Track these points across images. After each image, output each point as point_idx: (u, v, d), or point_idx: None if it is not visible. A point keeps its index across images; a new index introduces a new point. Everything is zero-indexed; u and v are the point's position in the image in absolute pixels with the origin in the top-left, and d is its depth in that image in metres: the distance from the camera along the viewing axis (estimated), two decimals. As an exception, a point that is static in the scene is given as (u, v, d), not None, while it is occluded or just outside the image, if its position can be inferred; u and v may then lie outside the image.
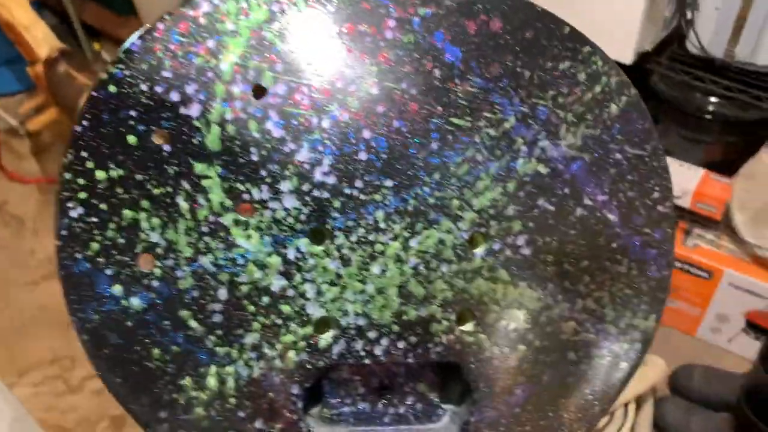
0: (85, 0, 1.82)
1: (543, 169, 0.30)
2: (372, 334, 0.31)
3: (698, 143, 1.06)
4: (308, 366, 0.31)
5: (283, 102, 0.28)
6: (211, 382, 0.30)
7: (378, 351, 0.31)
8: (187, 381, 0.30)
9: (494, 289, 0.31)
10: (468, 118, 0.29)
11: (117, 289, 0.29)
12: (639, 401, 0.93)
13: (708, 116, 1.04)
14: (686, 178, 1.04)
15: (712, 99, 1.04)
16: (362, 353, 0.31)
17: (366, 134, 0.29)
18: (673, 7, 0.95)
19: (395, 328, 0.31)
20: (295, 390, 0.31)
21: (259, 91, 0.28)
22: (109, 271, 0.29)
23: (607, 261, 0.31)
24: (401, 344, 0.31)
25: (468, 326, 0.31)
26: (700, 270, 1.10)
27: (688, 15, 0.95)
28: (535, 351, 0.32)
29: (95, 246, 0.29)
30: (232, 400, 0.31)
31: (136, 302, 0.29)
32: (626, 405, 0.91)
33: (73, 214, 0.28)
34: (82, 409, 1.10)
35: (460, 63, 0.29)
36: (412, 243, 0.30)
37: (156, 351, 0.30)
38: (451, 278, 0.30)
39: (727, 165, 1.06)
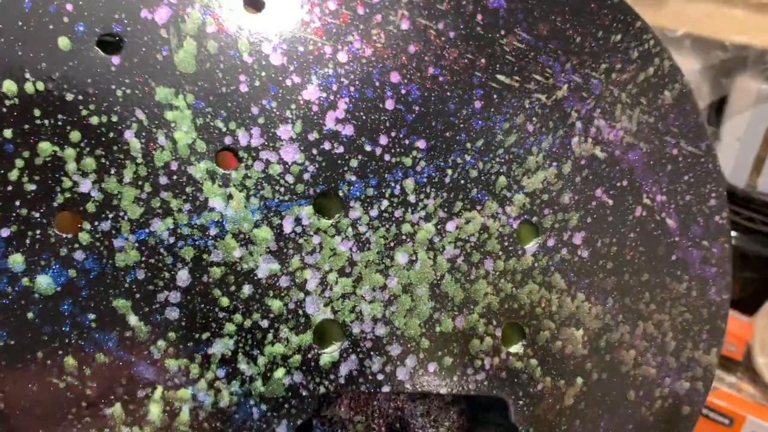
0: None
1: (600, 153, 0.26)
2: (395, 350, 0.23)
3: (717, 278, 1.02)
4: (303, 393, 0.22)
5: (286, 21, 0.22)
6: (155, 412, 0.21)
7: (401, 375, 0.23)
8: (116, 410, 0.21)
9: (548, 299, 0.25)
10: (516, 77, 0.24)
11: (16, 260, 0.20)
12: None
13: (727, 250, 1.01)
14: (705, 314, 0.99)
15: (732, 233, 1.01)
16: (380, 377, 0.23)
17: (394, 78, 0.23)
18: (692, 136, 0.95)
19: (425, 343, 0.23)
20: (282, 429, 0.22)
21: (255, 4, 0.22)
22: (6, 232, 0.20)
23: (668, 277, 0.27)
24: (432, 367, 0.24)
25: (515, 347, 0.25)
26: (720, 415, 1.03)
27: (709, 144, 0.95)
28: (593, 386, 0.26)
29: None
30: None
31: (44, 282, 0.20)
32: None
33: None
34: None
35: (505, 11, 0.24)
36: (449, 227, 0.24)
37: (69, 360, 0.20)
38: (497, 279, 0.24)
39: (747, 302, 1.02)
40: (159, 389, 0.21)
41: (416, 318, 0.24)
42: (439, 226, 0.24)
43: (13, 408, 0.20)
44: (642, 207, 0.27)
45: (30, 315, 0.20)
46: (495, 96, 0.25)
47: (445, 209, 0.24)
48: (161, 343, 0.21)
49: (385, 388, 0.23)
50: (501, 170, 0.25)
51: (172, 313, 0.21)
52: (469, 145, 0.24)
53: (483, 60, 0.24)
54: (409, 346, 0.24)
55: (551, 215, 0.25)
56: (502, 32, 0.24)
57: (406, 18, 0.23)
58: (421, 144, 0.24)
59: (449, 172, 0.24)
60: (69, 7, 0.20)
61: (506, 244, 0.25)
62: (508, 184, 0.25)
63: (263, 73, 0.22)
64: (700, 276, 0.28)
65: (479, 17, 0.24)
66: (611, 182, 0.26)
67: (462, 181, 0.24)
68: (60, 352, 0.20)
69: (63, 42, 0.20)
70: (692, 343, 0.28)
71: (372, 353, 0.23)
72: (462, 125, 0.24)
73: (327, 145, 0.23)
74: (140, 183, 0.21)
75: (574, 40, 0.25)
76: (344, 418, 0.26)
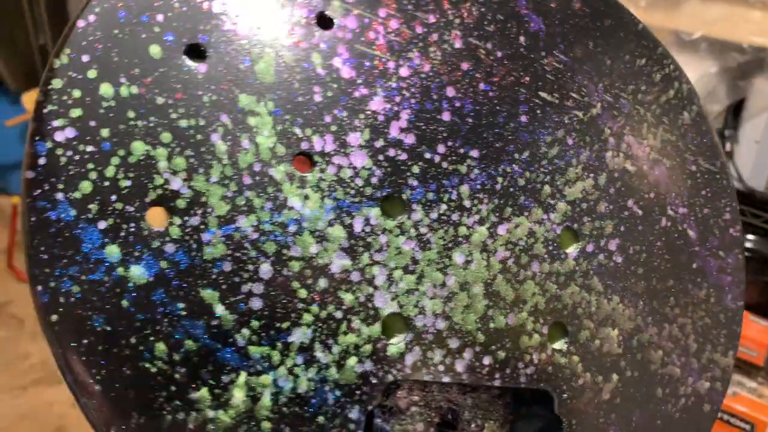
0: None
1: (630, 167, 0.28)
2: (453, 343, 0.25)
3: (737, 282, 1.01)
4: (373, 380, 0.24)
5: (354, 38, 0.24)
6: (238, 396, 0.22)
7: (459, 366, 0.25)
8: (202, 394, 0.22)
9: (588, 300, 0.27)
10: (556, 95, 0.27)
11: (112, 251, 0.21)
12: None
13: (747, 254, 1.00)
14: (725, 318, 0.98)
15: (751, 236, 1.00)
16: (441, 368, 0.24)
17: (450, 92, 0.25)
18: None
19: (480, 337, 0.25)
20: (354, 414, 0.23)
21: (325, 22, 0.24)
22: (103, 224, 0.21)
23: (690, 283, 0.29)
24: (487, 360, 0.25)
25: (559, 344, 0.26)
26: (740, 421, 1.01)
27: (728, 148, 0.94)
28: (626, 383, 0.28)
29: (87, 186, 0.21)
30: (266, 425, 0.23)
31: (138, 272, 0.21)
32: None
33: (59, 137, 0.21)
34: None
35: (545, 35, 0.26)
36: (501, 230, 0.25)
37: (160, 346, 0.22)
38: (543, 281, 0.26)
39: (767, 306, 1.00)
40: (243, 375, 0.22)
41: (473, 314, 0.25)
42: (491, 230, 0.25)
43: (110, 390, 0.21)
44: (666, 218, 0.29)
45: (125, 303, 0.21)
46: (538, 111, 0.26)
47: (497, 214, 0.26)
48: (245, 331, 0.22)
49: (446, 379, 0.25)
50: (545, 180, 0.26)
51: (256, 303, 0.23)
52: (516, 155, 0.26)
53: (527, 78, 0.26)
54: (466, 340, 0.25)
55: (589, 223, 0.27)
56: (543, 53, 0.27)
57: (459, 38, 0.25)
58: (474, 153, 0.25)
59: (500, 180, 0.26)
60: (160, 17, 0.22)
61: (551, 248, 0.26)
62: (551, 193, 0.27)
63: (335, 85, 0.24)
64: (717, 284, 0.29)
65: (522, 39, 0.26)
66: (640, 194, 0.28)
67: (511, 189, 0.26)
68: (152, 339, 0.21)
69: (154, 50, 0.22)
70: (711, 345, 0.29)
71: (434, 345, 0.25)
72: (510, 137, 0.26)
73: (392, 152, 0.24)
74: (226, 182, 0.22)
75: (605, 62, 0.28)
76: (402, 407, 0.27)
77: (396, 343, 0.24)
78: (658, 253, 0.28)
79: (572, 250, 0.27)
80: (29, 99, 1.31)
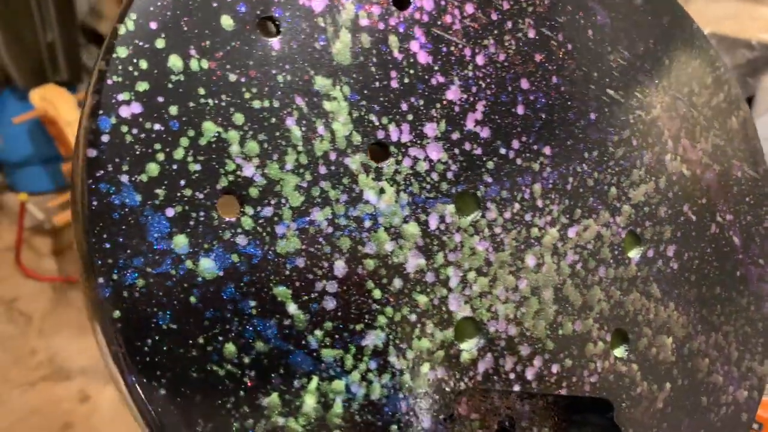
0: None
1: (686, 171, 0.28)
2: (524, 350, 0.24)
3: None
4: (446, 388, 0.22)
5: (430, 21, 0.23)
6: (309, 403, 0.20)
7: (530, 374, 0.24)
8: (272, 400, 0.20)
9: (647, 307, 0.26)
10: (621, 92, 0.26)
11: (180, 242, 0.19)
12: None
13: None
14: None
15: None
16: (512, 376, 0.23)
17: (524, 84, 0.24)
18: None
19: (550, 344, 0.24)
20: (426, 423, 0.22)
21: (401, 1, 0.23)
22: (171, 212, 0.19)
23: (734, 291, 0.29)
24: (555, 368, 0.24)
25: (619, 352, 0.26)
26: (749, 420, 1.00)
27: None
28: (678, 391, 0.27)
29: (154, 169, 0.19)
30: None
31: (207, 265, 0.19)
32: None
33: (125, 112, 0.19)
34: None
35: (610, 29, 0.26)
36: (570, 233, 0.25)
37: (230, 347, 0.20)
38: (608, 286, 0.26)
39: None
40: (315, 380, 0.21)
41: (543, 320, 0.24)
42: (561, 232, 0.25)
43: (175, 394, 0.19)
44: (716, 224, 0.29)
45: (193, 299, 0.19)
46: (606, 109, 0.26)
47: (567, 215, 0.25)
48: (318, 332, 0.21)
49: (516, 387, 0.24)
50: (612, 181, 0.26)
51: (329, 303, 0.21)
52: (586, 154, 0.25)
53: (595, 73, 0.26)
54: (536, 347, 0.24)
55: (651, 227, 0.27)
56: (609, 48, 0.26)
57: (532, 27, 0.25)
58: (547, 150, 0.25)
59: (570, 179, 0.25)
60: None
61: (616, 252, 0.26)
62: (618, 195, 0.26)
63: (412, 71, 0.22)
64: (756, 292, 0.30)
65: (590, 32, 0.26)
66: (694, 199, 0.28)
67: (580, 189, 0.25)
68: (221, 339, 0.20)
69: (226, 21, 0.20)
70: (750, 354, 0.29)
71: (505, 352, 0.24)
72: (581, 135, 0.25)
73: (467, 146, 0.23)
74: (301, 171, 0.21)
75: (663, 62, 0.28)
76: (463, 414, 0.25)
77: (468, 349, 0.23)
78: (709, 260, 0.28)
79: (634, 255, 0.27)
80: (37, 96, 1.31)
